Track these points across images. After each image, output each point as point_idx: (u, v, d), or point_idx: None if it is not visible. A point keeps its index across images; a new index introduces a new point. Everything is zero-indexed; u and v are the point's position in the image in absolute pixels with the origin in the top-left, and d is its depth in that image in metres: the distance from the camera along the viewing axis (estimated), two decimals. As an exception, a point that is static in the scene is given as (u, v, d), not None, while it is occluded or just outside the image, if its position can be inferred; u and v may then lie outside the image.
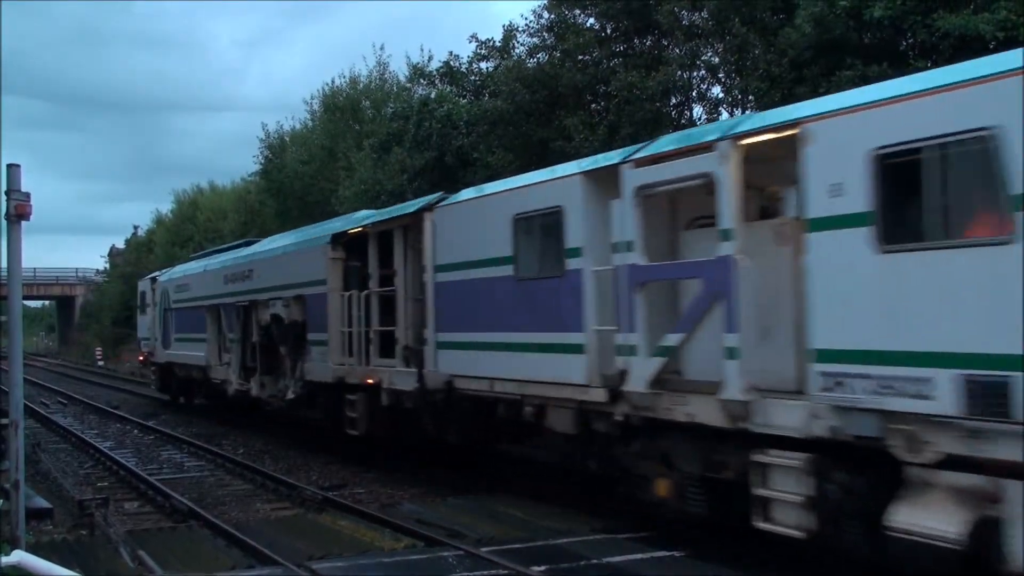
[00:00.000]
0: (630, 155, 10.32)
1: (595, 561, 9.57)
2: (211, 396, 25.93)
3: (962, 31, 15.15)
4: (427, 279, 14.03)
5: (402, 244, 15.07)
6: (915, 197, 7.35)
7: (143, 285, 32.64)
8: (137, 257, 62.42)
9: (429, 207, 14.21)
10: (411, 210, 14.82)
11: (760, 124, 8.94)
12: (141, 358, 32.68)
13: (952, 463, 7.10)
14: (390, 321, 15.36)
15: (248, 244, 24.32)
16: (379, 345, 15.62)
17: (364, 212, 18.83)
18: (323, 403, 17.65)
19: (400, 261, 15.10)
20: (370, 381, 15.40)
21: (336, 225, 18.07)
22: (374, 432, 15.80)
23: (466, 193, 14.03)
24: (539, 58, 25.44)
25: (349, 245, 16.78)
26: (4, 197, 9.74)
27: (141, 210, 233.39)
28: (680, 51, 21.96)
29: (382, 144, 30.07)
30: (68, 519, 12.86)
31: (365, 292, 15.95)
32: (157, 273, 31.62)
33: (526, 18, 27.56)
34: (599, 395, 10.50)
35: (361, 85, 39.66)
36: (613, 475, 10.96)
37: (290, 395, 18.69)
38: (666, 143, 10.19)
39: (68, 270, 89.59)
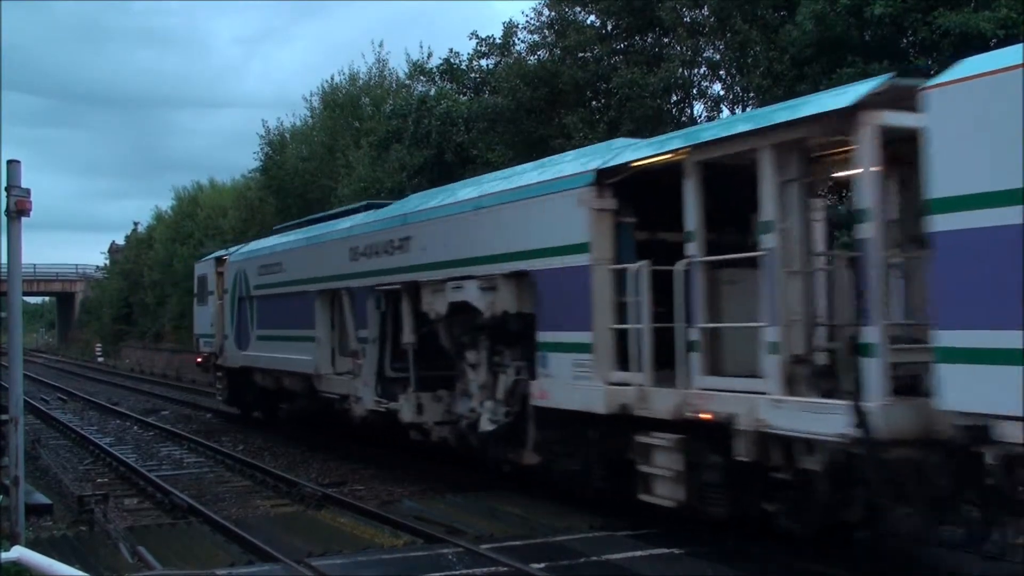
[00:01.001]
0: None
1: (594, 558, 9.55)
2: (316, 415, 19.16)
3: (963, 29, 15.18)
4: (863, 237, 7.86)
5: (773, 179, 8.65)
6: None
7: (203, 268, 25.50)
8: (137, 254, 62.44)
9: (888, 92, 7.90)
10: (830, 107, 8.10)
11: None
12: (199, 360, 25.93)
13: None
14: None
15: (369, 207, 17.51)
16: (708, 354, 9.39)
17: (624, 140, 12.03)
18: (569, 443, 11.22)
19: (773, 207, 8.63)
20: (705, 416, 9.16)
21: (597, 158, 10.93)
22: (705, 507, 9.40)
23: None
24: (539, 55, 25.49)
25: (619, 190, 10.53)
26: (4, 193, 9.74)
27: (141, 207, 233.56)
28: (681, 48, 21.98)
29: (381, 142, 30.10)
30: (68, 515, 12.85)
31: (682, 263, 9.46)
32: (224, 251, 24.96)
33: (527, 16, 27.66)
34: None
35: (360, 82, 39.68)
36: None
37: (487, 425, 12.50)
38: None
39: (68, 266, 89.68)
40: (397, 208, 15.66)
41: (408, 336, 14.29)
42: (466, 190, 13.69)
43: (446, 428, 13.87)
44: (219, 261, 23.85)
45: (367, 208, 17.46)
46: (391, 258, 14.54)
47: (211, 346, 23.99)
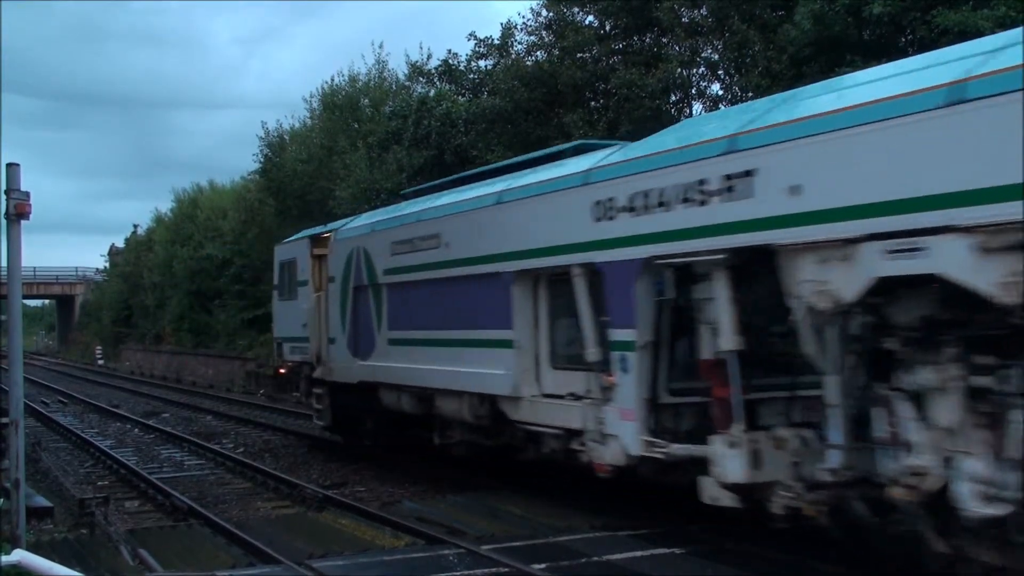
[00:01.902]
0: None
1: (595, 559, 9.55)
2: (500, 455, 13.47)
3: (961, 27, 15.19)
4: None
5: None
6: None
7: (289, 251, 18.91)
8: (136, 256, 62.46)
9: None
10: None
11: None
12: (282, 371, 20.36)
13: None
14: None
15: (580, 150, 12.13)
16: None
17: None
18: None
19: None
20: None
21: None
22: None
23: None
24: (537, 56, 25.52)
25: None
26: (3, 196, 9.74)
27: (141, 208, 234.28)
28: (680, 48, 22.02)
29: (381, 143, 30.11)
30: (69, 518, 12.86)
31: None
32: (323, 228, 18.40)
33: (523, 17, 27.68)
34: None
35: (360, 83, 39.66)
36: None
37: (977, 505, 6.74)
38: None
39: (68, 269, 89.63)
40: (697, 129, 9.75)
41: (728, 338, 8.77)
42: (896, 80, 7.46)
43: (819, 494, 8.11)
44: (316, 240, 17.67)
45: (576, 152, 12.12)
46: (698, 211, 8.84)
47: (303, 353, 17.97)
